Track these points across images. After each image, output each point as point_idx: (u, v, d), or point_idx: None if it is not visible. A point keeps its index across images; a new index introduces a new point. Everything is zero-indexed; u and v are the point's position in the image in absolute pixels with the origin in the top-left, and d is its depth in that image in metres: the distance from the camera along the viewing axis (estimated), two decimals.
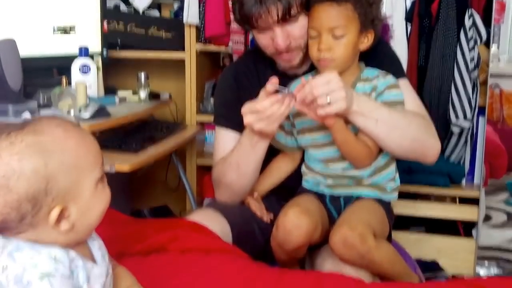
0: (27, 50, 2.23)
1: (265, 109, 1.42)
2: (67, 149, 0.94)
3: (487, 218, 3.49)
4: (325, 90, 1.37)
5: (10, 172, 0.89)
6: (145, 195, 3.16)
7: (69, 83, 2.25)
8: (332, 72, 1.41)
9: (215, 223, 1.56)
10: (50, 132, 0.94)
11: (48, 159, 0.91)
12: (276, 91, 1.43)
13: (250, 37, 2.47)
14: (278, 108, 1.42)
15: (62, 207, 0.93)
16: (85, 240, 1.04)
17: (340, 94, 1.37)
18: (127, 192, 3.10)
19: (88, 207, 0.97)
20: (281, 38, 1.55)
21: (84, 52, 2.30)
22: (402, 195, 1.73)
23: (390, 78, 1.55)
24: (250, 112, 1.44)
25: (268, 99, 1.42)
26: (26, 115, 1.95)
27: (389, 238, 1.65)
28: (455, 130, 2.44)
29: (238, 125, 1.59)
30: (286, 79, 1.59)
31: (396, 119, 1.50)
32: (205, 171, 2.82)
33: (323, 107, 1.38)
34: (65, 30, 2.43)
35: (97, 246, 1.06)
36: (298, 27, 1.55)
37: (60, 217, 0.93)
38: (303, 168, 1.67)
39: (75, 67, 2.28)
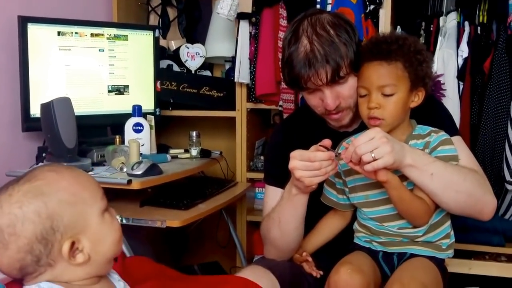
0: (82, 108, 2.32)
1: (315, 159, 1.41)
2: (61, 189, 1.03)
3: None
4: (368, 147, 1.36)
5: (14, 219, 0.98)
6: (196, 251, 3.17)
7: (122, 141, 2.31)
8: (374, 129, 1.40)
9: (264, 280, 1.55)
10: (42, 177, 1.03)
11: (46, 199, 1.00)
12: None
13: (300, 95, 2.48)
14: (327, 164, 1.42)
15: (73, 241, 1.00)
16: (107, 276, 1.11)
17: (385, 149, 1.36)
18: (177, 247, 3.12)
19: (98, 237, 1.04)
20: (330, 98, 1.56)
21: (137, 111, 2.35)
22: (457, 253, 1.69)
23: (443, 134, 1.53)
24: (300, 158, 1.44)
25: (323, 153, 1.42)
26: None
27: None
28: (510, 187, 2.38)
29: (286, 183, 1.59)
30: (336, 137, 1.60)
31: (452, 173, 1.47)
32: (255, 227, 2.81)
33: (369, 163, 1.37)
34: (119, 90, 2.52)
35: (123, 286, 1.14)
36: (347, 87, 1.56)
37: (74, 250, 1.01)
38: (355, 226, 1.65)
39: (128, 125, 2.33)
